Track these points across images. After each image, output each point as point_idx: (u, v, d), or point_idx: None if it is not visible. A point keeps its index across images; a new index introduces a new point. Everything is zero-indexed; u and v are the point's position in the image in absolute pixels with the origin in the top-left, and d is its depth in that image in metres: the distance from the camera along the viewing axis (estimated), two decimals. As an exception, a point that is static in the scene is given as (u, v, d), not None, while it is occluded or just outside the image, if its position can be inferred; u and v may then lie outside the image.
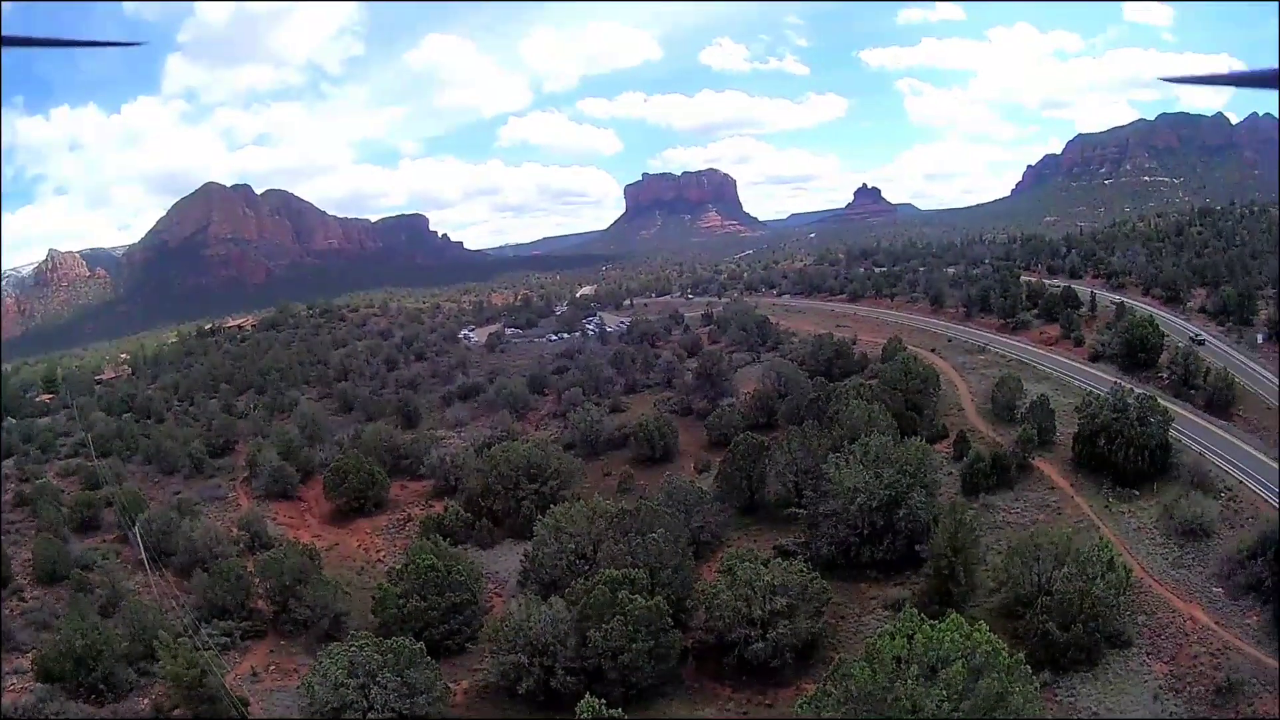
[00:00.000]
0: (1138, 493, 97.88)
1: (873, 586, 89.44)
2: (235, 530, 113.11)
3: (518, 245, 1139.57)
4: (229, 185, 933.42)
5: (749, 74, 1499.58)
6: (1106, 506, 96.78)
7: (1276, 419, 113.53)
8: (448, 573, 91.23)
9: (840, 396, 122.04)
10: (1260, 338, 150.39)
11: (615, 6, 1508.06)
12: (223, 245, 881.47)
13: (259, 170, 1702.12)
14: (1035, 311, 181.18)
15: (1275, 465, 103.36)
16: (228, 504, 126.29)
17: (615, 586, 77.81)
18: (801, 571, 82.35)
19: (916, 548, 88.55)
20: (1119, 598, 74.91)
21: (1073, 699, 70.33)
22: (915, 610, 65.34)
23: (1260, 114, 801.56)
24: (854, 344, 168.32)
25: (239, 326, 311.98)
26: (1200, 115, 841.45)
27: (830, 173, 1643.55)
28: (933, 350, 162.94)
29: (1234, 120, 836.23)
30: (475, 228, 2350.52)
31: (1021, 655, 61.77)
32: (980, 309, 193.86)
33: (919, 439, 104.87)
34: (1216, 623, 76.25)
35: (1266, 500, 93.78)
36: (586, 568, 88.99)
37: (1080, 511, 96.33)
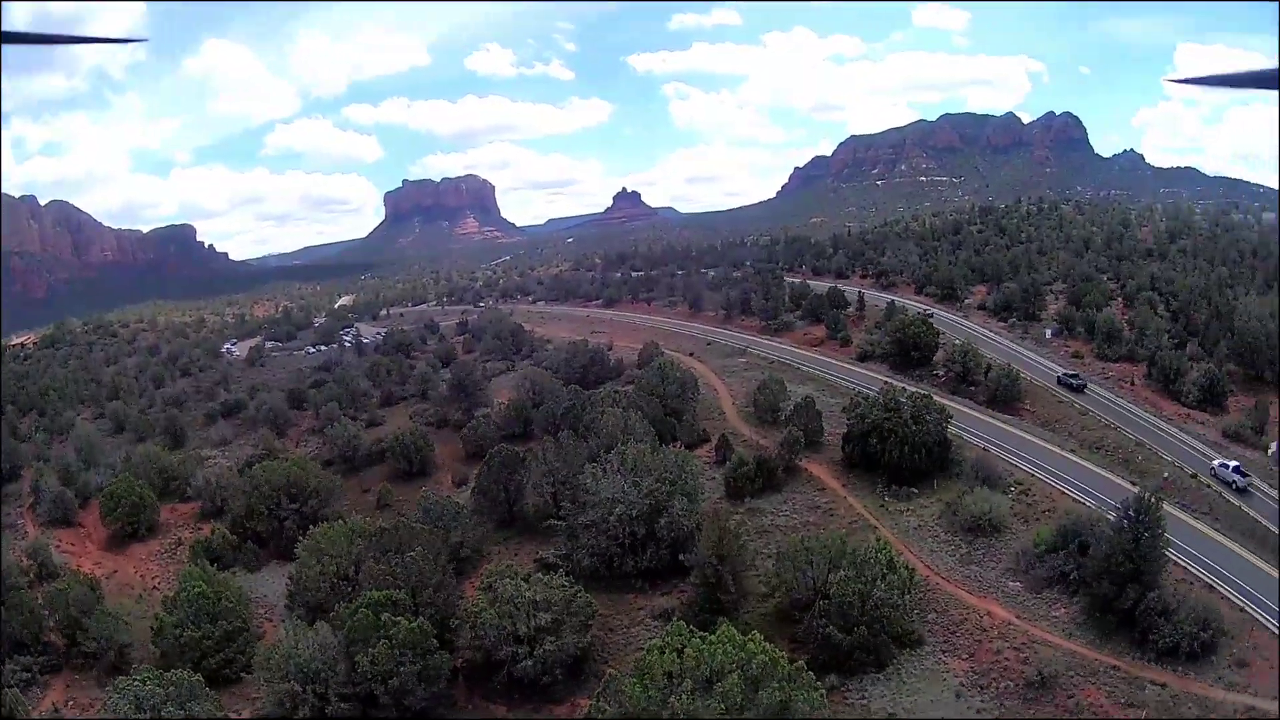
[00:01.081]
0: (916, 490, 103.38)
1: (639, 597, 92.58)
2: (25, 560, 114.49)
3: (280, 255, 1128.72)
4: (17, 197, 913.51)
5: (514, 79, 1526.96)
6: (882, 506, 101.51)
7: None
8: (217, 600, 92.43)
9: (596, 404, 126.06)
10: (1049, 332, 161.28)
11: (389, 11, 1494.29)
12: (8, 259, 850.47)
13: (45, 181, 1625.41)
14: (799, 313, 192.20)
15: (1069, 455, 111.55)
16: (17, 532, 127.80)
17: (378, 609, 79.50)
18: (563, 586, 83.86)
19: (680, 557, 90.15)
20: (904, 597, 77.73)
21: (865, 701, 72.40)
22: (683, 623, 66.98)
23: (1058, 112, 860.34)
24: (610, 350, 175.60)
25: (21, 344, 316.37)
26: (989, 115, 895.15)
27: (591, 178, 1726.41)
28: (691, 354, 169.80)
29: (1026, 119, 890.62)
30: (240, 237, 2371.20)
31: (803, 661, 63.63)
32: (741, 311, 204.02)
33: (678, 445, 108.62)
34: (1018, 617, 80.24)
35: (1063, 492, 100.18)
36: (350, 589, 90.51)
37: (854, 512, 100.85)
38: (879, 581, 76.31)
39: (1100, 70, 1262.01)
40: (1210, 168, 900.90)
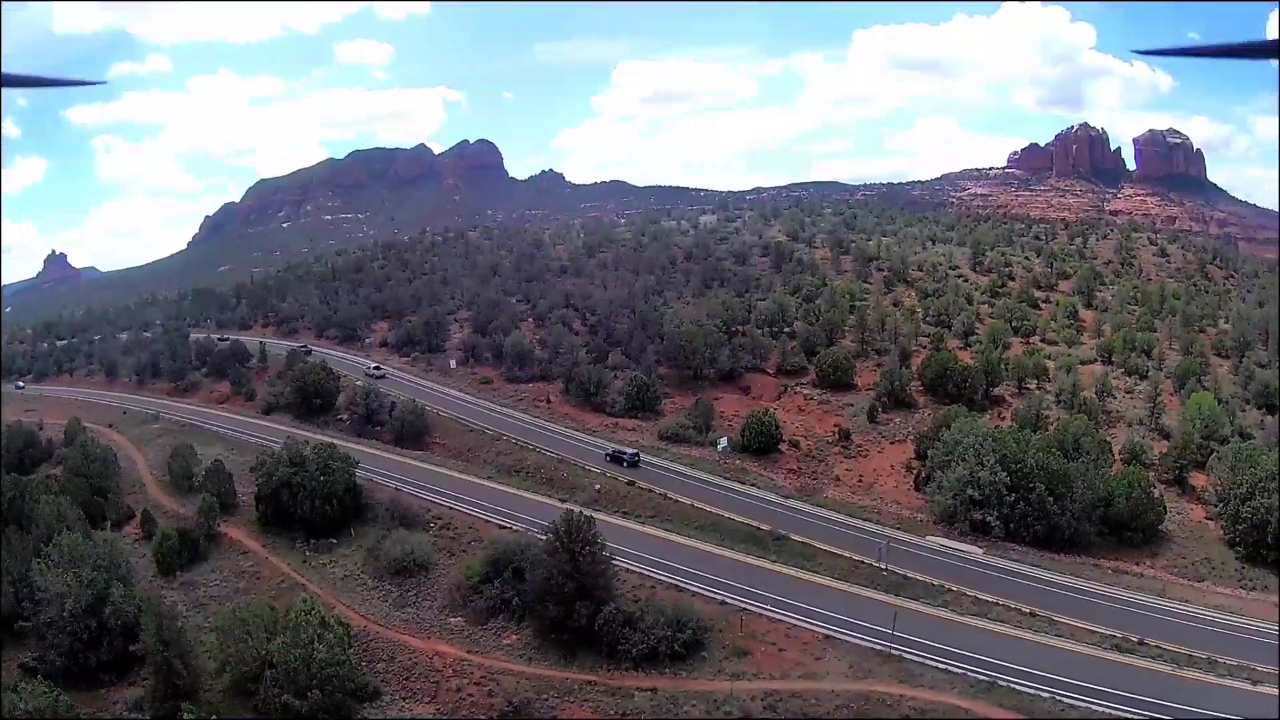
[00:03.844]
0: (335, 541, 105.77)
1: (113, 690, 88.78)
2: None
3: None
4: None
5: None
6: (305, 561, 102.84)
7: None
8: None
9: (32, 492, 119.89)
10: (454, 363, 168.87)
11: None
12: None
13: None
14: (206, 370, 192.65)
15: (487, 483, 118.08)
16: None
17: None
18: (44, 692, 79.32)
19: (131, 647, 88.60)
20: (346, 652, 78.07)
21: (336, 762, 73.56)
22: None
23: (471, 140, 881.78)
24: (41, 429, 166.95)
25: None
26: (398, 149, 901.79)
27: (26, 242, 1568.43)
28: (110, 425, 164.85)
29: (438, 149, 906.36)
30: None
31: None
32: (153, 374, 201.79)
33: (107, 527, 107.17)
34: (469, 652, 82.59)
35: (488, 521, 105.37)
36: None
37: (280, 572, 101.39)
38: (316, 642, 76.50)
39: (524, 95, 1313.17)
40: (650, 179, 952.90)
